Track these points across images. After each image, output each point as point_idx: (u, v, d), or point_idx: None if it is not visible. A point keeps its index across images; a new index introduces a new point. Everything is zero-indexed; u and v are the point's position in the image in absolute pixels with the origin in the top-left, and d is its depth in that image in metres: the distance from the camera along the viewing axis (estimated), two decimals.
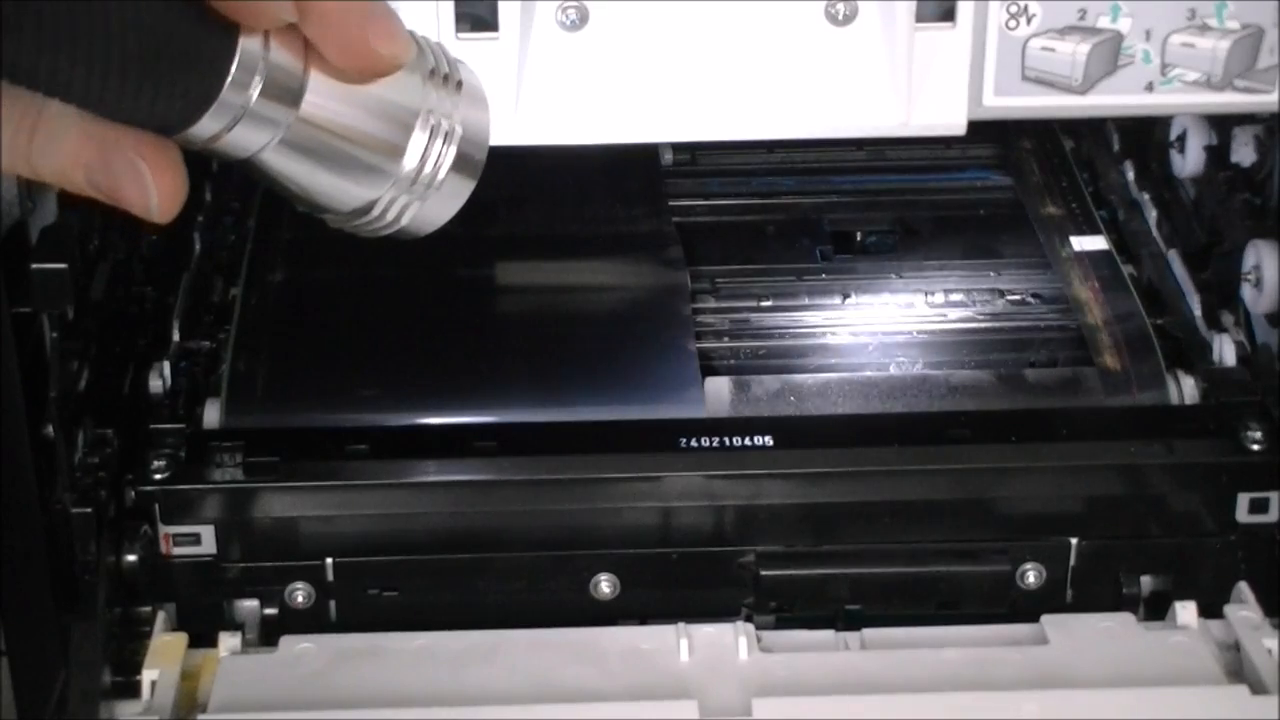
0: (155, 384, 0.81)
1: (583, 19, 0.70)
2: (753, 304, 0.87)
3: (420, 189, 0.48)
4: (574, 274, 0.89)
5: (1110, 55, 0.71)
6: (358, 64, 0.44)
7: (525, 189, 0.90)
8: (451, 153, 0.49)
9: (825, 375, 0.82)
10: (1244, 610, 0.72)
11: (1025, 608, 0.74)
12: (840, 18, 0.71)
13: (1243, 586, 0.74)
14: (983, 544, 0.75)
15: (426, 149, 0.48)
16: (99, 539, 0.72)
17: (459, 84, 0.49)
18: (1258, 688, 0.68)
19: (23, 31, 0.39)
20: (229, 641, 0.73)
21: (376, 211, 0.49)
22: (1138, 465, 0.75)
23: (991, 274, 0.89)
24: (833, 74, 0.71)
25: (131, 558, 0.74)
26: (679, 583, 0.75)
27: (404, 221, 0.49)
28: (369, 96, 0.46)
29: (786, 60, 0.71)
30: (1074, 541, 0.75)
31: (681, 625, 0.71)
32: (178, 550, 0.75)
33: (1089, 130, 0.97)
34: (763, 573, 0.75)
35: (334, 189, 0.48)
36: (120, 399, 0.79)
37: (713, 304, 0.87)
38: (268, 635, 0.75)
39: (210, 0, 0.40)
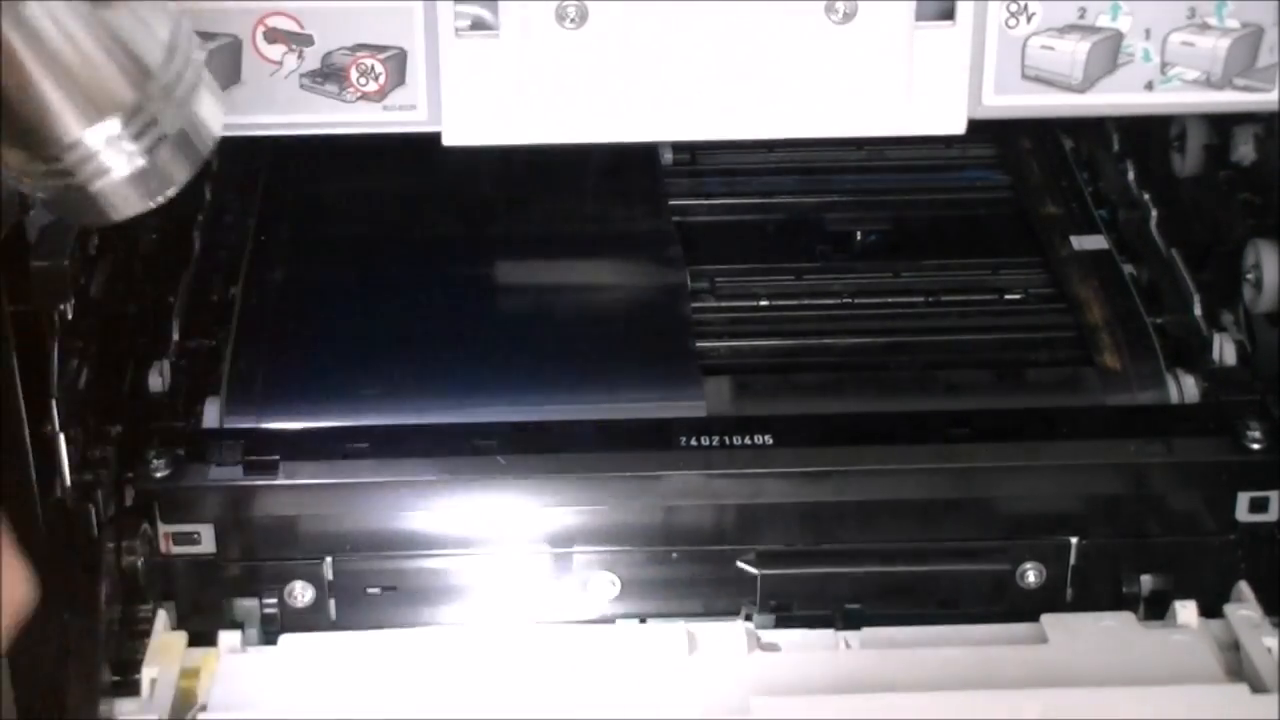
0: (155, 383, 0.81)
1: (583, 18, 0.70)
2: (753, 303, 0.87)
3: (115, 159, 0.48)
4: (574, 273, 0.89)
5: (1110, 54, 0.71)
6: None
7: (525, 189, 0.91)
8: (157, 144, 0.48)
9: (825, 375, 0.82)
10: (1244, 609, 0.72)
11: (1025, 607, 0.74)
12: (840, 16, 0.71)
13: (1242, 586, 0.74)
14: (983, 543, 0.75)
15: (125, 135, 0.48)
16: (99, 538, 0.72)
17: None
18: (1257, 686, 0.68)
19: None
20: (229, 640, 0.73)
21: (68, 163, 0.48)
22: (1138, 464, 0.75)
23: (991, 273, 0.89)
24: (832, 73, 0.71)
25: (131, 556, 0.74)
26: (679, 582, 0.75)
27: (94, 188, 0.49)
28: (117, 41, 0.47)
29: (786, 59, 0.71)
30: (1074, 541, 0.75)
31: (681, 624, 0.72)
32: (177, 549, 0.75)
33: (1089, 129, 0.97)
34: (763, 572, 0.75)
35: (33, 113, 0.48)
36: (120, 398, 0.79)
37: (713, 303, 0.87)
38: (268, 634, 0.75)
39: None
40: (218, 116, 0.52)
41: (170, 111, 0.50)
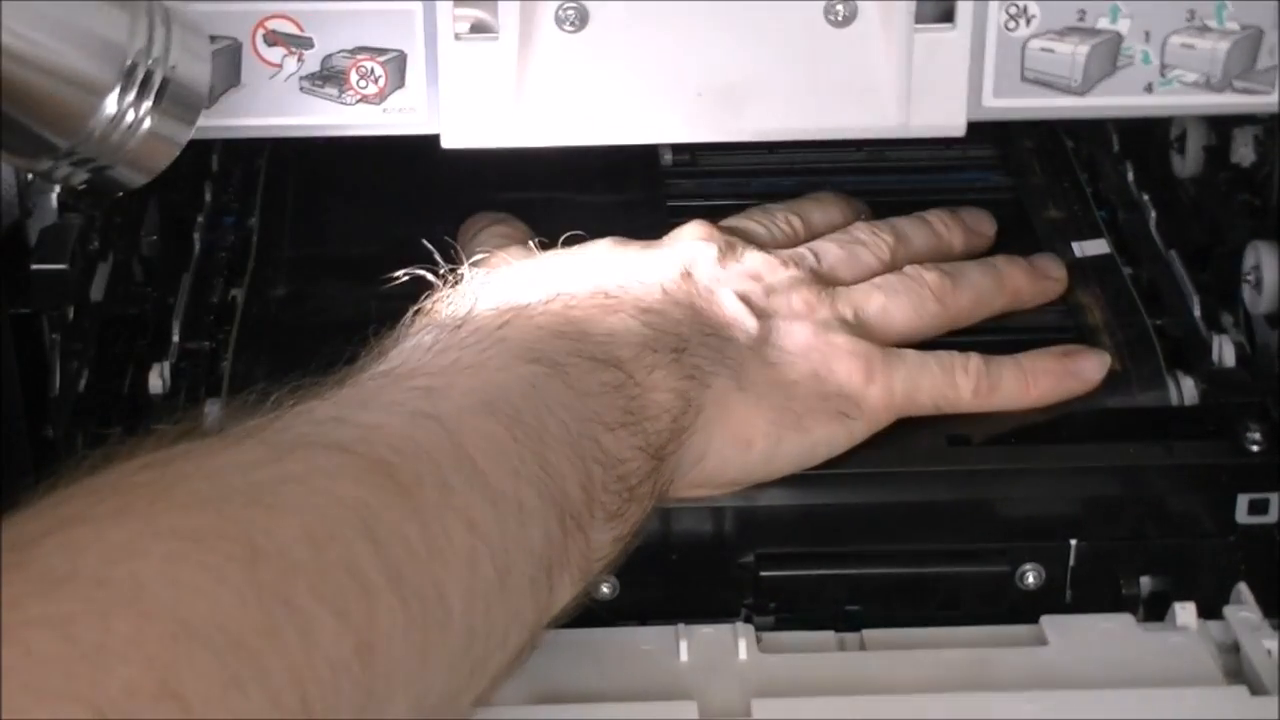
0: (155, 384, 0.81)
1: (583, 20, 0.70)
2: None
3: (123, 135, 0.47)
4: None
5: (1110, 56, 0.71)
6: None
7: (525, 190, 0.90)
8: (156, 99, 0.47)
9: None
10: (1243, 611, 0.72)
11: (1024, 608, 0.74)
12: (840, 18, 0.71)
13: (1242, 587, 0.74)
14: (982, 545, 0.75)
15: (127, 93, 0.47)
16: None
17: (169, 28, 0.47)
18: (1257, 688, 0.68)
19: None
20: None
21: (76, 154, 0.47)
22: (1137, 466, 0.75)
23: None
24: (832, 75, 0.71)
25: None
26: (679, 583, 0.75)
27: (110, 163, 0.48)
28: (74, 28, 0.45)
29: (786, 61, 0.71)
30: (1073, 543, 0.75)
31: (681, 626, 0.71)
32: None
33: (1089, 130, 0.97)
34: (762, 573, 0.75)
35: (27, 125, 0.47)
36: (120, 400, 0.79)
37: None
38: None
39: None
40: (202, 47, 0.51)
41: (156, 57, 0.49)
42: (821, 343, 0.73)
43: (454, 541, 0.55)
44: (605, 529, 0.63)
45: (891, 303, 0.77)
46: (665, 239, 0.80)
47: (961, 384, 0.75)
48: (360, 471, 0.53)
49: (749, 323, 0.72)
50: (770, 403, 0.70)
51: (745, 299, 0.74)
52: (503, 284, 0.71)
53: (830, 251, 0.80)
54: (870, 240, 0.81)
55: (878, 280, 0.78)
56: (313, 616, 0.47)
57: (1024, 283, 0.82)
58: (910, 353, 0.75)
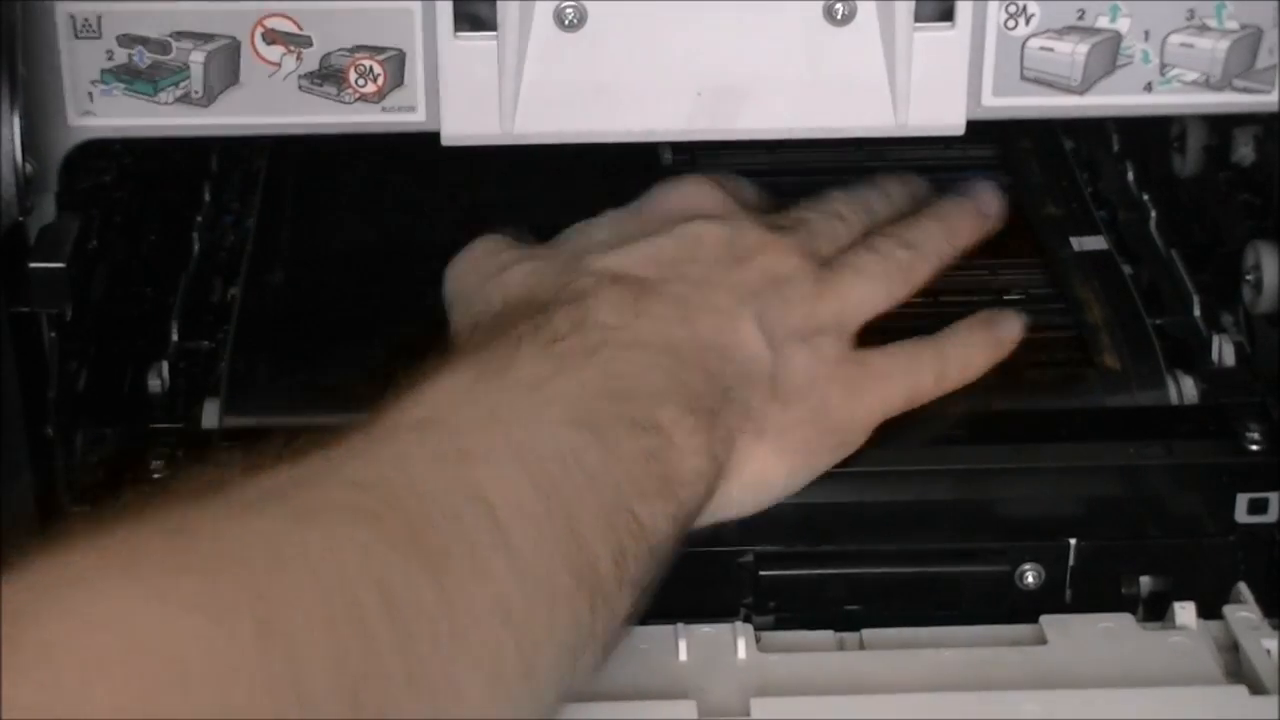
0: (154, 384, 0.81)
1: (582, 19, 0.70)
2: None
3: None
4: None
5: (1109, 55, 0.71)
6: None
7: (524, 189, 0.90)
8: None
9: None
10: (1243, 611, 0.72)
11: (1024, 608, 0.74)
12: (839, 17, 0.71)
13: (1242, 587, 0.74)
14: (981, 545, 0.75)
15: None
16: None
17: None
18: (1256, 688, 0.68)
19: None
20: None
21: None
22: (1137, 466, 0.75)
23: (991, 274, 0.88)
24: (831, 74, 0.71)
25: None
26: (678, 583, 0.75)
27: None
28: None
29: (786, 60, 0.71)
30: (1073, 542, 0.75)
31: (680, 625, 0.71)
32: None
33: (1089, 130, 0.97)
34: (762, 573, 0.75)
35: None
36: (119, 399, 0.79)
37: None
38: None
39: None
40: None
41: None
42: (821, 373, 0.73)
43: (481, 628, 0.53)
44: (629, 596, 0.63)
45: (868, 290, 0.77)
46: (663, 211, 0.79)
47: (924, 380, 0.75)
48: (387, 544, 0.52)
49: (765, 356, 0.72)
50: (787, 446, 0.71)
51: (760, 319, 0.73)
52: (541, 329, 0.68)
53: (814, 227, 0.79)
54: (849, 215, 0.81)
55: (854, 264, 0.78)
56: (324, 708, 0.46)
57: (971, 232, 0.83)
58: (881, 362, 0.75)
